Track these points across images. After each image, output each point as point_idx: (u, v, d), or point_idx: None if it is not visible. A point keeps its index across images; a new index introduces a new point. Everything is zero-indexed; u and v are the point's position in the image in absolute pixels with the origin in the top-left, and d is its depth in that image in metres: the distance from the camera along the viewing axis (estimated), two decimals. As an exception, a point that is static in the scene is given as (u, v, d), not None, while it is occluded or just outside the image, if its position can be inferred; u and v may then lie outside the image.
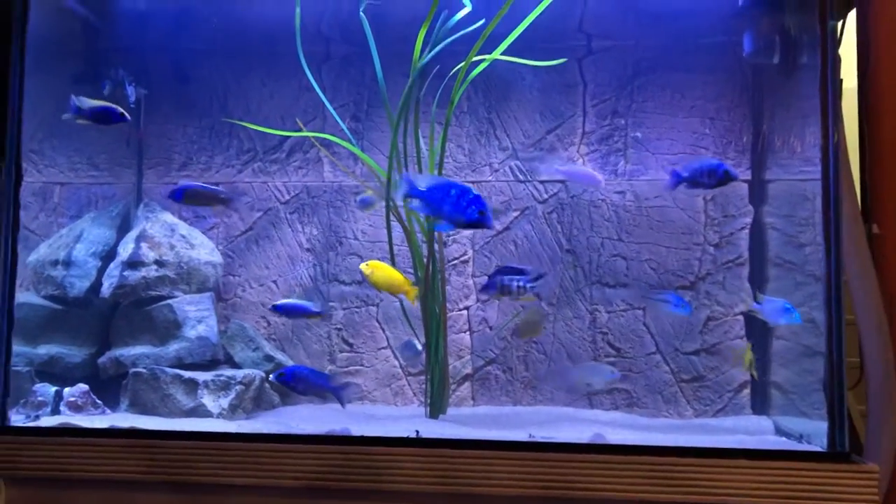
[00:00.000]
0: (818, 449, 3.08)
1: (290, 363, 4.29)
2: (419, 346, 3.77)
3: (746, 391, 4.10)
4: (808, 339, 3.75)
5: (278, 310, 3.78)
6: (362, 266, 3.78)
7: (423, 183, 3.06)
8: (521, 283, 3.49)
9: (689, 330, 4.16)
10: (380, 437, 3.17)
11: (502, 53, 3.87)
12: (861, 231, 3.59)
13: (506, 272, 3.54)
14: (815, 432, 3.34)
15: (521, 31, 3.79)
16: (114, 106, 3.54)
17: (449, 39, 3.85)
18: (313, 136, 4.34)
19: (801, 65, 3.64)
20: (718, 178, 3.44)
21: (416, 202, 3.11)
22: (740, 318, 4.14)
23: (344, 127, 4.29)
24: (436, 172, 3.96)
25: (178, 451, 3.19)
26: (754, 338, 4.10)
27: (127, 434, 3.29)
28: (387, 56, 3.97)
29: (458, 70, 3.80)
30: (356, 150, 4.16)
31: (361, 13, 3.93)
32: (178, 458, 3.18)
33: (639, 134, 4.27)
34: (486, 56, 3.88)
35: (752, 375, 3.93)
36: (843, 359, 3.08)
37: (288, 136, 4.48)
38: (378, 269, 3.75)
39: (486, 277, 3.87)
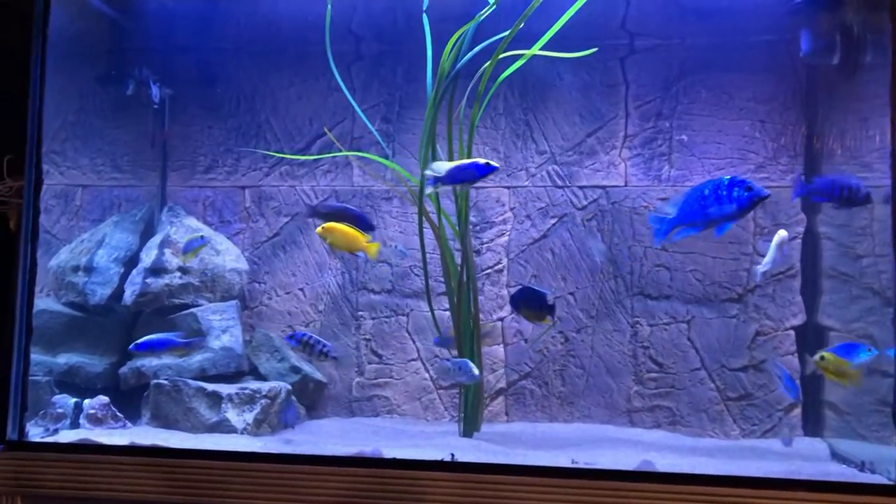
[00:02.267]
0: (886, 481, 2.85)
1: (317, 375, 4.14)
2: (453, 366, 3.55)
3: (797, 411, 3.87)
4: (865, 357, 3.52)
5: (140, 348, 3.58)
6: (318, 230, 3.58)
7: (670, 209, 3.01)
8: (322, 349, 3.42)
9: (736, 345, 3.94)
10: (414, 459, 2.99)
11: (536, 53, 3.67)
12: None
13: (525, 294, 3.37)
14: (876, 458, 3.12)
15: (556, 29, 3.59)
16: (476, 162, 3.25)
17: (482, 45, 3.66)
18: (347, 151, 4.18)
19: (862, 65, 3.42)
20: (857, 198, 3.13)
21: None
22: (791, 333, 3.91)
23: (373, 130, 4.12)
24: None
25: (200, 472, 3.03)
26: (807, 354, 3.87)
27: (148, 452, 3.15)
28: (422, 56, 3.79)
29: (487, 70, 3.60)
30: (390, 164, 3.99)
31: (424, 14, 3.76)
32: (201, 478, 3.03)
33: (684, 137, 4.06)
34: (517, 52, 3.69)
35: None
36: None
37: (316, 140, 4.32)
38: (335, 230, 3.56)
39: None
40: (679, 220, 3.06)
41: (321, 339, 3.47)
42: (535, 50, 3.65)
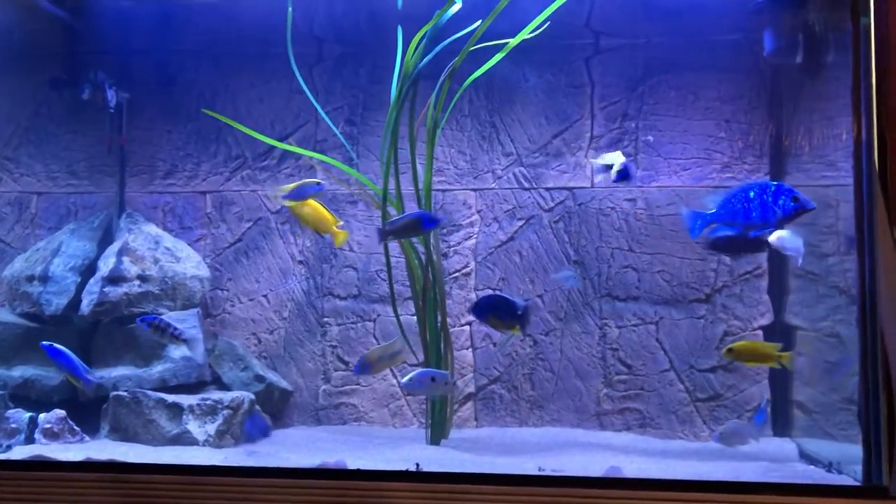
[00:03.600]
0: (853, 482, 2.84)
1: (283, 384, 4.06)
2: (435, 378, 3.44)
3: (768, 410, 3.86)
4: (832, 355, 3.53)
5: (50, 352, 3.37)
6: (288, 202, 3.45)
7: (711, 205, 2.95)
8: (174, 332, 3.34)
9: (704, 346, 3.93)
10: (377, 470, 2.93)
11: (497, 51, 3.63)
12: (890, 241, 3.35)
13: (493, 302, 3.30)
14: (843, 457, 3.11)
15: (525, 35, 3.54)
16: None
17: (443, 43, 3.61)
18: (308, 152, 4.11)
19: (826, 64, 3.41)
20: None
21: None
22: (759, 332, 3.91)
23: (338, 133, 4.05)
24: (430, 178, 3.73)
25: (160, 487, 2.94)
26: (794, 351, 3.86)
27: (105, 468, 3.05)
28: (385, 58, 3.74)
29: (451, 72, 3.55)
30: (352, 171, 3.92)
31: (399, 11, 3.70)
32: (161, 494, 2.93)
33: (650, 138, 4.04)
34: (479, 46, 3.64)
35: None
36: (878, 380, 2.84)
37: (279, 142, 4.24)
38: (305, 205, 3.44)
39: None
40: (717, 218, 3.05)
41: (171, 322, 3.38)
42: (500, 56, 3.60)
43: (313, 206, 3.49)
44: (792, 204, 2.94)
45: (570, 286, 3.83)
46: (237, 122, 3.91)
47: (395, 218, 3.48)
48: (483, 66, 3.65)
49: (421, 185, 3.70)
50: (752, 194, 2.95)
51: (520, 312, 3.22)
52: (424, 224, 3.40)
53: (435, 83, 3.63)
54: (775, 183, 2.98)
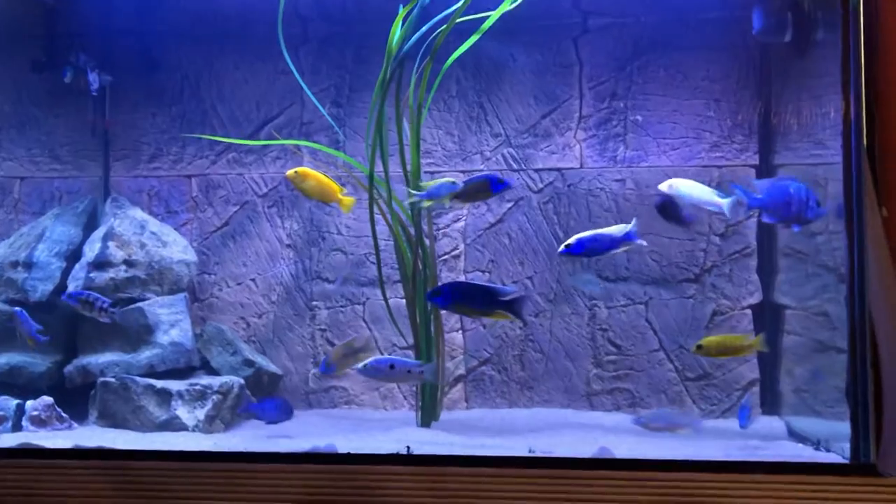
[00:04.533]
0: (841, 460, 2.86)
1: (272, 367, 4.04)
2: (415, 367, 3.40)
3: (755, 389, 3.88)
4: (820, 333, 3.54)
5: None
6: (289, 173, 3.43)
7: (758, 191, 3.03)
8: (102, 305, 3.32)
9: (693, 325, 3.93)
10: (368, 454, 2.93)
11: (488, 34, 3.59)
12: (878, 218, 3.35)
13: (462, 289, 3.25)
14: (831, 435, 3.13)
15: (506, 7, 3.49)
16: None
17: (429, 23, 3.56)
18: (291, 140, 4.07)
19: (815, 42, 3.39)
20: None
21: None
22: (748, 312, 3.92)
23: (325, 114, 4.01)
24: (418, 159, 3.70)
25: (149, 473, 2.92)
26: (764, 333, 3.88)
27: (94, 455, 3.03)
28: (371, 38, 3.69)
29: (433, 52, 3.51)
30: (340, 154, 3.88)
31: None
32: (151, 480, 2.91)
33: (639, 117, 4.02)
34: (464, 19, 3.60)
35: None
36: (867, 359, 2.85)
37: (264, 125, 4.20)
38: (308, 176, 3.42)
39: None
40: (762, 205, 3.15)
41: (100, 297, 3.37)
42: (480, 33, 3.56)
43: (316, 177, 3.46)
44: (818, 208, 3.05)
45: (590, 290, 3.80)
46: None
47: (465, 180, 3.39)
48: (464, 44, 3.61)
49: (410, 168, 3.67)
50: (792, 189, 3.03)
51: (506, 299, 3.18)
52: (493, 186, 3.32)
53: (421, 64, 3.59)
54: (806, 185, 3.07)
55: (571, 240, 3.17)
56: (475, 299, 3.18)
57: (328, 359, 3.49)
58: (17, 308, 3.62)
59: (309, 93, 3.93)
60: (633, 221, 3.18)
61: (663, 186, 3.31)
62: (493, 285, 3.30)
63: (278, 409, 3.69)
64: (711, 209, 3.30)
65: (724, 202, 3.22)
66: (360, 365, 3.24)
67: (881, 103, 3.44)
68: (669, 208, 3.29)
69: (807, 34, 3.46)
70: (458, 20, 3.52)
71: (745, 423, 3.44)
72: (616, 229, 3.17)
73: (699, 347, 3.35)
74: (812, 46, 3.45)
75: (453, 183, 3.33)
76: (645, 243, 3.40)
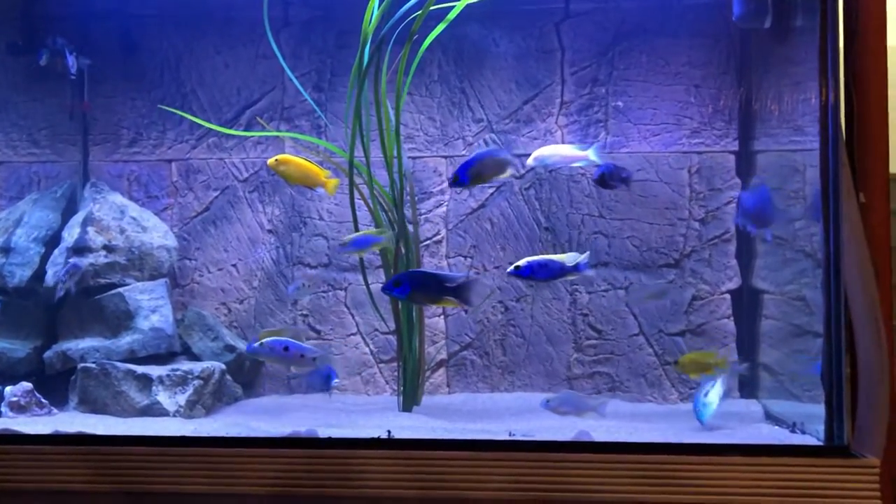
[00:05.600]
0: (816, 442, 2.90)
1: (254, 353, 4.04)
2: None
3: (732, 372, 3.91)
4: (798, 318, 3.58)
5: None
6: (270, 161, 3.41)
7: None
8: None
9: (673, 310, 3.96)
10: (348, 438, 2.94)
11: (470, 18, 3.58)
12: (855, 205, 3.38)
13: (419, 278, 3.25)
14: (807, 417, 3.17)
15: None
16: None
17: (406, 6, 3.54)
18: (275, 130, 4.04)
19: (795, 28, 3.41)
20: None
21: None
22: (727, 296, 3.95)
23: (308, 98, 3.99)
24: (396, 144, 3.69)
25: (129, 459, 2.93)
26: (742, 317, 3.92)
27: (74, 440, 3.03)
28: (353, 22, 3.67)
29: (412, 32, 3.50)
30: (321, 142, 3.87)
31: None
32: (130, 465, 2.93)
33: (620, 103, 4.02)
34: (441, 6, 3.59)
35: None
36: (842, 343, 2.89)
37: (245, 110, 4.17)
38: (290, 162, 3.40)
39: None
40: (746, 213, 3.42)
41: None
42: (454, 14, 3.54)
43: (298, 163, 3.45)
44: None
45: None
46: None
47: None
48: (438, 27, 3.59)
49: (390, 153, 3.67)
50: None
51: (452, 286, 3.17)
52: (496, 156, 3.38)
53: (402, 47, 3.58)
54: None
55: (522, 262, 3.23)
56: (430, 287, 3.17)
57: (256, 339, 3.41)
58: None
59: (292, 77, 3.91)
60: (587, 254, 3.26)
61: (530, 161, 3.46)
62: (442, 272, 3.30)
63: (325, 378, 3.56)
64: (581, 163, 3.50)
65: (588, 151, 3.40)
66: (257, 343, 3.23)
67: (859, 90, 3.48)
68: (607, 178, 3.35)
69: (787, 20, 3.47)
70: (438, 6, 3.51)
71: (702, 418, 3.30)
72: (568, 258, 3.24)
73: (676, 363, 3.48)
74: (792, 33, 3.46)
75: (381, 234, 3.49)
76: (593, 273, 3.63)
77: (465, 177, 3.26)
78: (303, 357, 3.32)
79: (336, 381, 3.41)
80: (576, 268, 3.21)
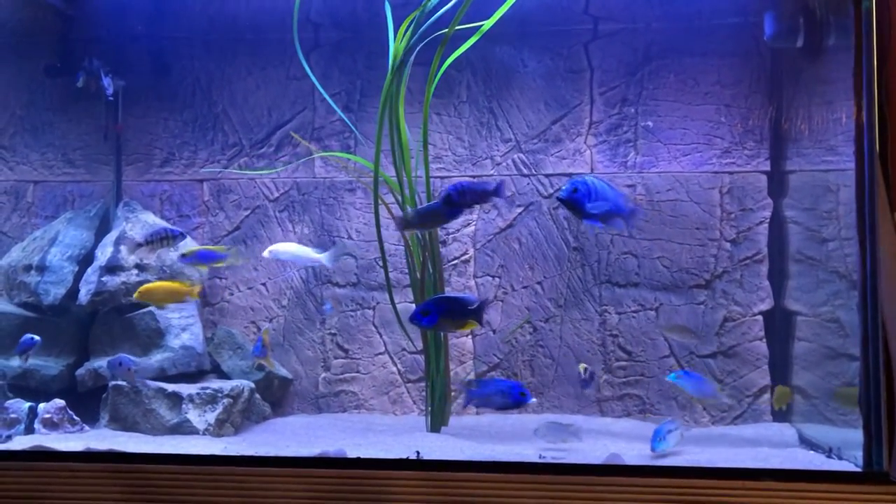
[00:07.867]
0: (853, 468, 2.84)
1: (283, 371, 4.05)
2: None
3: (766, 396, 3.86)
4: (831, 340, 3.52)
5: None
6: (136, 294, 3.54)
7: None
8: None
9: (704, 332, 3.92)
10: (377, 458, 2.92)
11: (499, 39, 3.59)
12: (891, 225, 3.33)
13: (444, 304, 3.22)
14: (843, 442, 3.11)
15: (510, 4, 3.47)
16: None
17: (428, 22, 3.55)
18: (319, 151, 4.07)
19: (827, 47, 3.38)
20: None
21: None
22: (759, 318, 3.90)
23: (342, 115, 4.01)
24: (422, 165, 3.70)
25: (160, 477, 2.93)
26: (775, 339, 3.86)
27: (105, 458, 3.04)
28: (381, 43, 3.70)
29: (438, 52, 3.51)
30: (357, 158, 3.88)
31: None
32: (161, 483, 2.92)
33: (650, 123, 4.01)
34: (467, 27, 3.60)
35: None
36: (879, 366, 2.82)
37: (276, 130, 4.21)
38: (154, 289, 3.54)
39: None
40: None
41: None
42: (481, 33, 3.55)
43: (163, 287, 3.59)
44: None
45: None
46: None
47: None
48: (462, 46, 3.60)
49: (421, 173, 3.68)
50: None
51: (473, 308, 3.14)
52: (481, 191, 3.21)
53: (429, 68, 3.60)
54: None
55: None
56: (455, 312, 3.14)
57: (262, 341, 3.61)
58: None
59: (326, 95, 3.93)
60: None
61: (265, 254, 3.66)
62: (463, 295, 3.29)
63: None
64: (313, 264, 3.74)
65: (322, 256, 3.59)
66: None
67: (892, 108, 3.43)
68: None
69: (819, 39, 3.45)
70: (465, 26, 3.52)
71: (656, 446, 3.19)
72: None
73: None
74: (824, 51, 3.44)
75: (226, 251, 3.66)
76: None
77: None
78: (129, 371, 3.53)
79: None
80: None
